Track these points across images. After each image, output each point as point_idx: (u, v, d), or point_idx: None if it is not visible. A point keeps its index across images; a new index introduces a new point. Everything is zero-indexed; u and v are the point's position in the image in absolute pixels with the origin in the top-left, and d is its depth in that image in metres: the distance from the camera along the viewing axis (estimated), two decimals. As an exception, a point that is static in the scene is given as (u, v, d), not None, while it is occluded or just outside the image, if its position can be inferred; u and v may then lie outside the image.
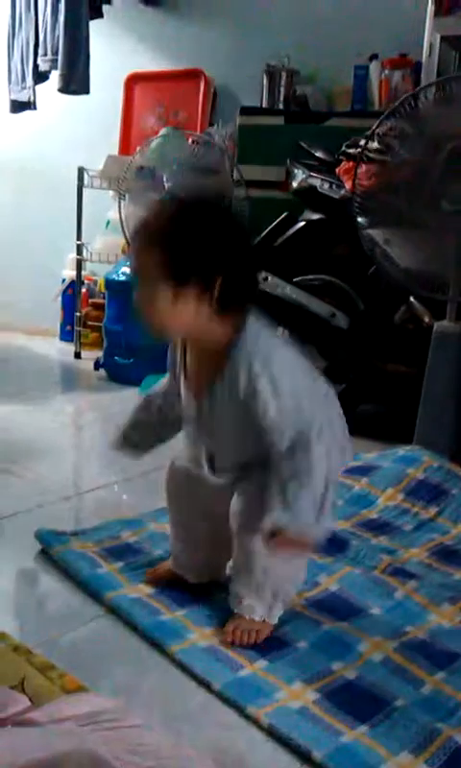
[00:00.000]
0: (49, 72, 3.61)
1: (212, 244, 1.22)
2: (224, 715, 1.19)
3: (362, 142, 2.28)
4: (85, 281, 3.93)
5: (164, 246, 1.21)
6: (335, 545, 1.72)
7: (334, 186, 2.66)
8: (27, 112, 3.79)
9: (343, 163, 2.59)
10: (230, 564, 1.47)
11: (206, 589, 1.51)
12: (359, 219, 2.31)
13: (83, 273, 3.81)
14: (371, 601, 1.51)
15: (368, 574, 1.60)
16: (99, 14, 3.64)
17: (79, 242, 3.68)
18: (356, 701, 1.22)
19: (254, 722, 1.17)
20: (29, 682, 1.13)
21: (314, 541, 1.27)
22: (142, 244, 1.24)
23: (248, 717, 1.18)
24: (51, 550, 1.64)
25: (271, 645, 1.36)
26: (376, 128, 2.22)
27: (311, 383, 1.32)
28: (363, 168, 2.27)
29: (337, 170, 2.63)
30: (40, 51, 3.58)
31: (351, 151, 2.50)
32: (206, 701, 1.22)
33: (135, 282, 1.25)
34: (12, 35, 3.73)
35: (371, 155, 2.25)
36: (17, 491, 2.06)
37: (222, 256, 1.22)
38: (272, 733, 1.14)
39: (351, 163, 2.43)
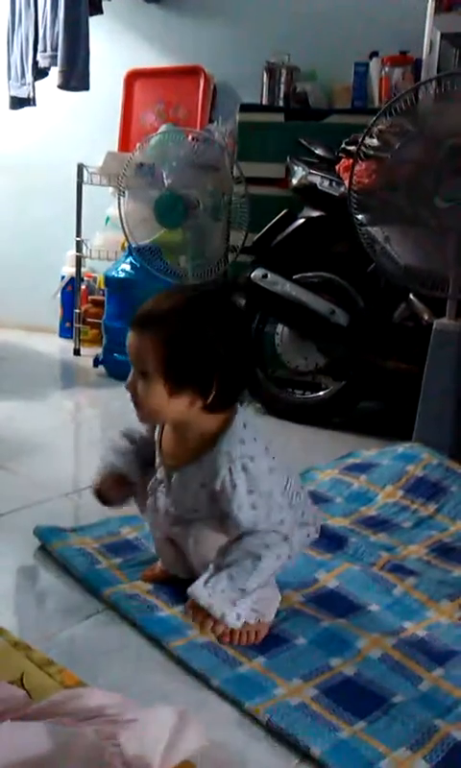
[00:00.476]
0: (48, 68, 3.60)
1: (214, 350, 1.21)
2: (222, 711, 1.19)
3: (359, 139, 2.28)
4: (85, 278, 3.93)
5: (165, 346, 1.20)
6: (334, 542, 1.72)
7: (334, 184, 2.66)
8: (26, 109, 3.78)
9: (343, 160, 2.59)
10: None
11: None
12: (359, 216, 2.31)
13: (82, 269, 3.81)
14: (369, 598, 1.52)
15: (367, 571, 1.60)
16: (99, 11, 3.63)
17: (78, 239, 3.68)
18: (355, 697, 1.22)
19: (253, 718, 1.17)
20: (28, 677, 1.13)
21: (226, 626, 1.29)
22: (143, 336, 1.22)
23: (246, 713, 1.18)
24: (50, 546, 1.64)
25: (269, 642, 1.36)
26: (373, 124, 2.21)
27: (283, 487, 1.33)
28: (362, 165, 2.27)
29: (337, 167, 2.63)
30: (40, 47, 3.58)
31: (351, 148, 2.49)
32: (204, 697, 1.22)
33: (132, 363, 1.25)
34: (12, 31, 3.72)
35: (370, 152, 2.25)
36: (17, 487, 2.06)
37: (222, 360, 1.22)
38: (270, 729, 1.14)
39: (351, 160, 2.43)
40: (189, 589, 1.28)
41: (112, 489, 1.47)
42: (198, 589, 1.27)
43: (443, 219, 2.11)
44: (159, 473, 1.39)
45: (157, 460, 1.40)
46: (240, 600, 1.27)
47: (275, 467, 1.31)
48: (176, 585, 1.51)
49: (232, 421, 1.29)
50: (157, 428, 1.41)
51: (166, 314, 1.22)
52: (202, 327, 1.21)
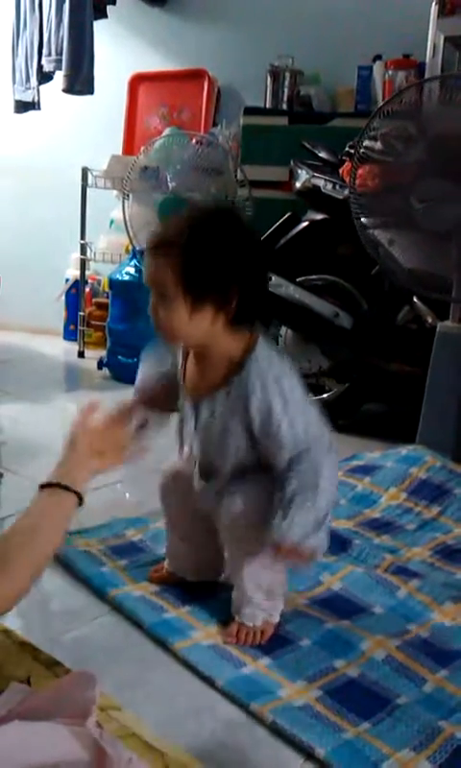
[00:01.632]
0: (53, 72, 3.61)
1: (229, 259, 1.21)
2: (227, 712, 1.20)
3: (357, 141, 2.28)
4: (89, 281, 3.94)
5: (182, 262, 1.19)
6: (338, 544, 1.73)
7: (338, 187, 2.67)
8: (31, 112, 3.80)
9: (346, 164, 2.60)
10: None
11: (209, 587, 1.52)
12: (363, 219, 2.32)
13: (86, 272, 3.82)
14: (373, 600, 1.52)
15: (371, 573, 1.61)
16: (103, 15, 3.64)
17: (83, 241, 3.69)
18: (359, 698, 1.23)
19: (258, 719, 1.18)
20: (35, 679, 1.14)
21: (314, 554, 1.27)
22: (158, 258, 1.23)
23: (251, 714, 1.19)
24: (55, 548, 1.65)
25: (274, 643, 1.37)
26: (368, 126, 2.21)
27: (314, 409, 1.32)
28: (366, 168, 2.27)
29: (340, 170, 2.64)
30: (45, 51, 3.59)
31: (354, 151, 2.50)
32: (209, 698, 1.23)
33: (150, 292, 1.25)
34: (17, 35, 3.74)
35: (374, 155, 2.26)
36: (21, 489, 2.06)
37: (239, 270, 1.22)
38: (275, 730, 1.15)
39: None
40: (276, 536, 1.23)
41: (154, 395, 1.44)
42: (280, 530, 1.23)
43: (447, 223, 2.11)
44: (186, 409, 1.36)
45: (181, 396, 1.38)
46: (320, 525, 1.24)
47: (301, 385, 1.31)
48: (181, 587, 1.52)
49: (257, 343, 1.28)
50: (180, 362, 1.38)
51: (179, 233, 1.21)
52: (215, 240, 1.21)
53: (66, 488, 1.16)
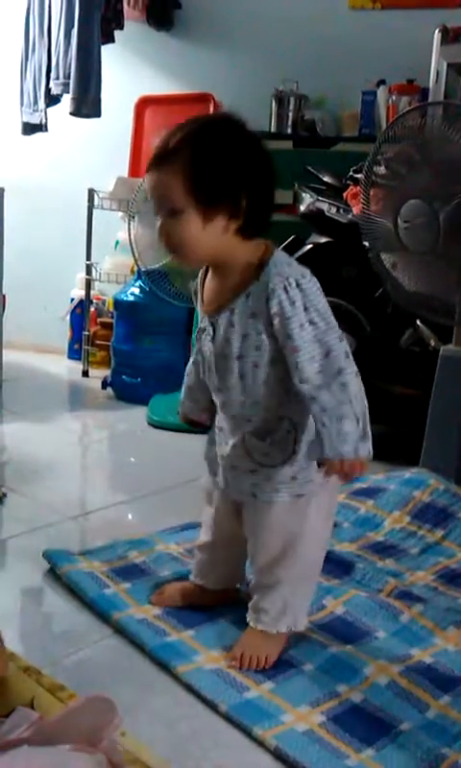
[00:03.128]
0: (61, 95, 3.66)
1: (238, 161, 1.21)
2: (230, 737, 1.20)
3: (368, 165, 2.31)
4: (94, 301, 3.96)
5: (190, 168, 1.18)
6: (341, 568, 1.73)
7: (342, 210, 2.69)
8: (39, 135, 3.84)
9: (350, 188, 2.62)
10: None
11: (212, 611, 1.52)
12: (366, 243, 2.34)
13: (91, 292, 3.84)
14: (377, 624, 1.52)
15: (374, 597, 1.61)
16: (111, 39, 3.69)
17: (88, 262, 3.72)
18: (362, 724, 1.22)
19: (261, 744, 1.17)
20: (39, 702, 1.13)
21: (366, 461, 1.24)
22: (165, 170, 1.20)
23: (254, 739, 1.18)
24: (58, 570, 1.65)
25: (277, 667, 1.36)
26: (378, 149, 2.24)
27: (332, 315, 1.28)
28: (371, 192, 2.30)
29: (345, 194, 2.67)
30: (53, 75, 3.63)
31: (359, 176, 2.53)
32: (212, 722, 1.23)
33: (158, 210, 1.23)
34: (26, 58, 3.78)
35: (378, 180, 2.28)
36: (25, 509, 2.07)
37: (248, 173, 1.22)
38: (278, 756, 1.15)
39: (358, 188, 2.47)
40: (330, 453, 1.21)
41: (195, 415, 1.50)
42: (332, 447, 1.21)
43: (445, 248, 2.13)
44: (203, 323, 1.33)
45: (201, 312, 1.36)
46: (365, 433, 1.23)
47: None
48: (184, 610, 1.52)
49: (274, 249, 1.28)
50: (199, 280, 1.37)
51: (182, 142, 1.20)
52: (222, 143, 1.20)
53: None
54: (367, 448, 1.23)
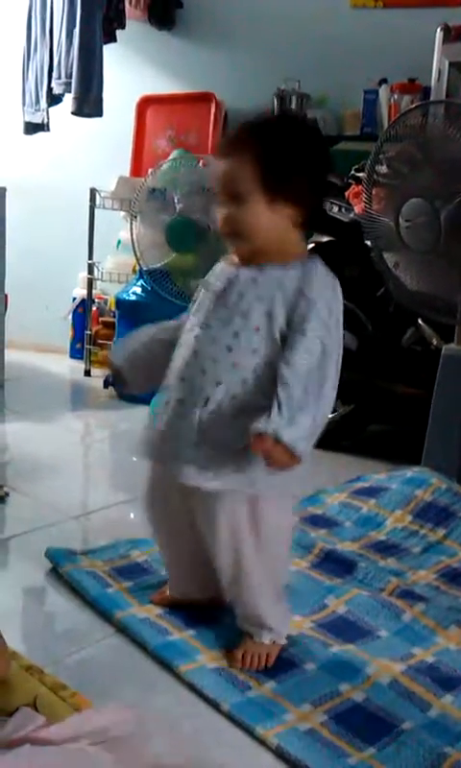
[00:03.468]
0: (63, 95, 3.66)
1: (307, 155, 1.26)
2: (232, 736, 1.20)
3: (370, 163, 2.31)
4: (96, 300, 3.96)
5: (262, 156, 1.22)
6: (343, 567, 1.73)
7: (343, 209, 2.69)
8: (41, 134, 3.84)
9: (352, 187, 2.62)
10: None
11: (214, 609, 1.52)
12: (368, 242, 2.34)
13: (93, 291, 3.84)
14: (378, 624, 1.52)
15: (376, 596, 1.61)
16: (113, 39, 3.69)
17: (90, 261, 3.72)
18: (364, 723, 1.23)
19: (263, 743, 1.17)
20: (41, 701, 1.14)
21: (296, 461, 1.20)
22: (235, 156, 1.24)
23: (256, 738, 1.18)
24: (61, 569, 1.65)
25: (279, 667, 1.36)
26: (380, 148, 2.24)
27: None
28: (373, 191, 2.30)
29: (346, 193, 2.66)
30: (55, 74, 3.63)
31: (361, 175, 2.53)
32: (214, 721, 1.23)
33: (221, 197, 1.26)
34: (28, 58, 3.79)
35: (380, 179, 2.28)
36: (27, 509, 2.07)
37: (313, 168, 1.27)
38: (280, 755, 1.15)
39: (360, 187, 2.46)
40: (269, 429, 1.17)
41: (133, 370, 1.46)
42: (275, 424, 1.17)
43: (447, 247, 2.13)
44: (216, 286, 1.31)
45: (217, 278, 1.33)
46: (314, 434, 1.22)
47: None
48: (186, 609, 1.52)
49: (319, 260, 1.29)
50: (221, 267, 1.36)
51: (256, 131, 1.26)
52: (291, 136, 1.27)
53: None
54: (306, 448, 1.20)
